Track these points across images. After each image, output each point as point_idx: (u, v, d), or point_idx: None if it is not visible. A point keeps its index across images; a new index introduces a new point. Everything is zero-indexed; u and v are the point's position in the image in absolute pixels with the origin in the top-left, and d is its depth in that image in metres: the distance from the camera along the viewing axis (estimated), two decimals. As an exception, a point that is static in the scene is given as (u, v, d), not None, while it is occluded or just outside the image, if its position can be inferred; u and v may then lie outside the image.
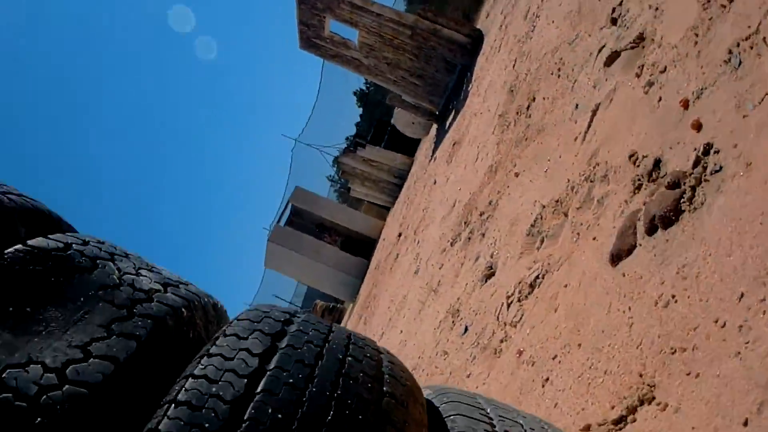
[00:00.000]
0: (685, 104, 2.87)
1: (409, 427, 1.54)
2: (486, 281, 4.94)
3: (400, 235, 14.77)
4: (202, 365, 1.52)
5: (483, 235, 5.74)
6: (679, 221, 2.52)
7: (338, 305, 28.48)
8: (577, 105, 4.48)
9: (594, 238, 3.29)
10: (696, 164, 2.58)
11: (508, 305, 4.16)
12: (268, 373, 1.48)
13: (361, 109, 39.50)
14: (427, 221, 10.34)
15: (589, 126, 4.03)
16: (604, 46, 4.38)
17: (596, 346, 2.76)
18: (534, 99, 5.84)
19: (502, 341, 3.98)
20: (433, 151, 14.61)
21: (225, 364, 1.51)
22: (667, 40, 3.37)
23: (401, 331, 7.89)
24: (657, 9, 3.67)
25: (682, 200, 2.53)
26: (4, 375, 1.43)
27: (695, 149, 2.63)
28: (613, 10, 4.44)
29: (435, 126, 17.14)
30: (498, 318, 4.23)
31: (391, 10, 14.37)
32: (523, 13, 8.76)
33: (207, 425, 1.34)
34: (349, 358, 1.63)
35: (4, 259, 1.69)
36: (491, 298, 4.60)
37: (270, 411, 1.38)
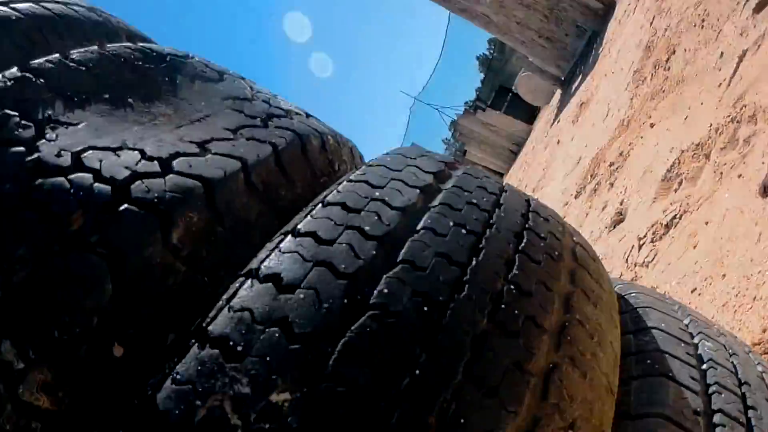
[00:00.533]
0: None
1: (602, 275, 1.34)
2: (614, 227, 4.92)
3: (515, 196, 14.61)
4: (339, 191, 1.25)
5: (611, 185, 5.69)
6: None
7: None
8: (722, 53, 4.38)
9: (740, 176, 3.25)
10: None
11: (640, 247, 4.14)
12: (431, 211, 1.21)
13: (482, 74, 39.09)
14: (547, 179, 10.24)
15: (735, 72, 3.95)
16: (750, -11, 4.26)
17: (744, 274, 2.75)
18: (674, 52, 5.71)
19: (632, 281, 3.98)
20: (557, 115, 14.37)
21: (389, 181, 1.27)
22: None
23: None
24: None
25: None
26: (84, 154, 1.16)
27: None
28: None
29: (558, 93, 16.84)
30: (627, 260, 4.22)
31: (527, -33, 14.16)
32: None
33: (367, 228, 1.11)
34: (528, 231, 1.30)
35: (105, 50, 1.50)
36: (619, 242, 4.58)
37: (451, 223, 1.16)
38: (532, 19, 15.01)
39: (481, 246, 1.18)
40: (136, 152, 1.20)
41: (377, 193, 1.26)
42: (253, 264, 1.10)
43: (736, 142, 3.48)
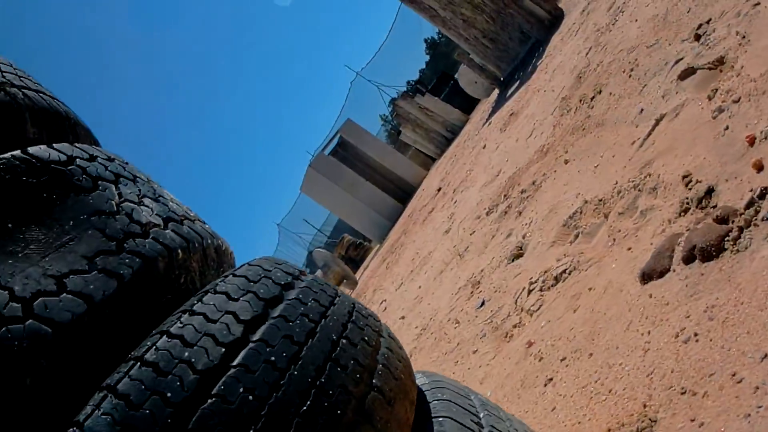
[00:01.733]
0: (752, 141, 2.75)
1: (391, 428, 1.44)
2: (513, 260, 4.89)
3: (439, 189, 14.71)
4: (180, 323, 1.39)
5: (520, 213, 5.67)
6: (718, 258, 2.43)
7: (365, 243, 28.60)
8: (642, 110, 4.34)
9: (629, 249, 3.21)
10: (749, 206, 2.48)
11: (529, 291, 4.11)
12: (249, 345, 1.35)
13: (428, 57, 39.12)
14: (468, 183, 10.25)
15: (649, 134, 3.91)
16: (681, 59, 4.23)
17: (607, 361, 2.70)
18: (600, 92, 5.69)
19: (515, 326, 3.94)
20: (489, 116, 14.41)
21: (206, 326, 1.38)
22: (747, 71, 3.23)
23: (419, 287, 7.89)
24: (744, 37, 3.51)
25: (727, 238, 2.43)
26: None
27: (751, 190, 2.53)
28: (700, 26, 4.27)
29: (496, 91, 16.88)
30: (516, 302, 4.18)
31: (479, -34, 14.02)
32: (608, 4, 8.49)
33: (169, 395, 1.22)
34: (344, 341, 1.49)
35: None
36: (514, 279, 4.55)
37: (241, 390, 1.26)
38: (478, 18, 14.94)
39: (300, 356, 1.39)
40: (6, 292, 1.30)
41: (208, 328, 1.39)
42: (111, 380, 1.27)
43: (635, 210, 3.44)
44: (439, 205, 12.39)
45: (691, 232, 2.71)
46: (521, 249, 4.91)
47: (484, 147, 11.27)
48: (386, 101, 35.06)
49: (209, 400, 1.23)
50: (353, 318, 1.63)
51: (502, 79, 16.24)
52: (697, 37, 4.19)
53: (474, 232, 7.01)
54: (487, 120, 14.24)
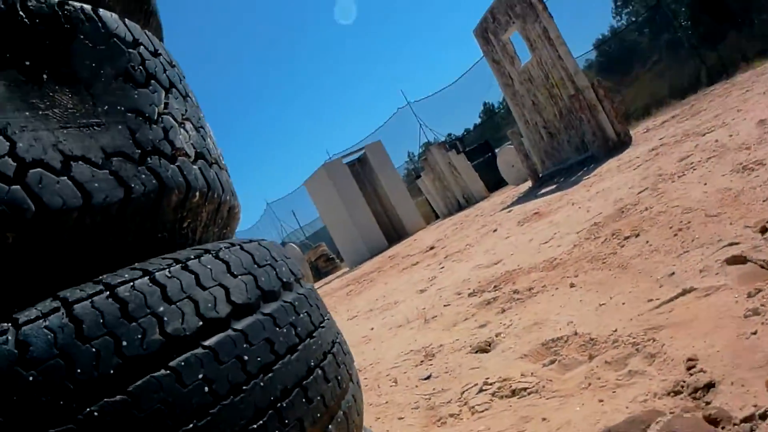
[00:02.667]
0: (779, 361, 2.62)
1: None
2: (476, 352, 4.72)
3: (432, 248, 14.54)
4: (168, 273, 1.21)
5: (503, 310, 5.51)
6: (695, 459, 2.28)
7: (337, 260, 28.49)
8: (673, 273, 4.20)
9: (601, 401, 3.05)
10: (747, 420, 2.33)
11: (480, 390, 3.94)
12: (228, 332, 1.18)
13: (479, 120, 39.23)
14: (462, 256, 10.10)
15: (671, 299, 3.77)
16: (737, 243, 4.10)
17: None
18: (638, 235, 5.55)
19: (452, 416, 3.77)
20: (512, 204, 14.31)
21: (193, 290, 1.20)
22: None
23: (372, 328, 7.71)
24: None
25: (714, 444, 2.29)
26: None
27: (755, 405, 2.39)
28: (772, 219, 4.17)
29: (529, 184, 16.83)
30: (462, 394, 4.01)
31: (573, 62, 13.94)
32: (681, 155, 8.40)
33: (124, 344, 1.05)
34: (319, 371, 1.32)
35: (60, 8, 1.37)
36: (470, 370, 4.38)
37: (200, 377, 1.09)
38: (548, 108, 14.91)
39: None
40: (8, 144, 1.14)
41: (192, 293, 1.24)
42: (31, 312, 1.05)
43: (623, 366, 3.29)
44: (424, 263, 12.23)
45: (675, 417, 2.55)
46: (489, 345, 4.75)
47: (495, 231, 11.13)
48: (421, 141, 35.13)
49: (162, 371, 1.05)
50: (334, 350, 1.46)
51: (540, 175, 16.19)
52: (764, 230, 4.07)
53: (449, 305, 6.84)
54: (509, 207, 14.13)
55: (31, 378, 0.92)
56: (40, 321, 1.01)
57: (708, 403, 2.58)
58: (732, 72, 19.17)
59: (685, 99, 19.42)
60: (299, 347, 1.30)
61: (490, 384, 3.94)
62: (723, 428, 2.35)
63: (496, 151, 24.68)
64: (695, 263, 4.19)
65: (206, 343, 1.13)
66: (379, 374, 5.32)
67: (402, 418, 4.10)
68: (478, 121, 39.40)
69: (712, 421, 2.41)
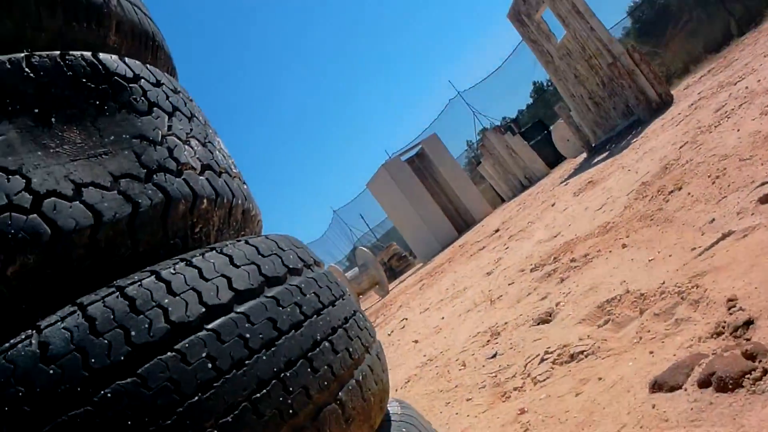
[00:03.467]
0: (810, 288, 2.65)
1: None
2: (538, 324, 4.80)
3: (497, 230, 14.58)
4: (173, 270, 1.36)
5: (562, 280, 5.57)
6: (733, 392, 2.34)
7: (410, 257, 28.56)
8: (713, 219, 4.22)
9: (651, 352, 3.12)
10: (783, 351, 2.38)
11: (542, 360, 4.03)
12: (231, 314, 1.32)
13: (531, 100, 38.88)
14: (525, 234, 10.13)
15: (711, 245, 3.79)
16: None
17: (590, 458, 2.62)
18: (680, 188, 5.56)
19: (515, 389, 3.87)
20: (569, 177, 14.24)
21: (196, 282, 1.35)
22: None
23: (443, 318, 7.82)
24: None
25: (749, 376, 2.34)
26: None
27: (791, 336, 2.43)
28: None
29: (584, 154, 16.69)
30: (526, 366, 4.10)
31: (605, 31, 13.83)
32: (717, 106, 8.32)
33: (133, 334, 1.20)
34: (326, 344, 1.45)
35: (62, 60, 1.53)
36: (533, 342, 4.46)
37: (204, 355, 1.23)
38: (590, 79, 14.78)
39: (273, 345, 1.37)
40: (24, 181, 1.30)
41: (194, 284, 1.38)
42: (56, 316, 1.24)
43: (671, 316, 3.34)
44: (490, 246, 12.28)
45: (715, 357, 2.61)
46: (550, 315, 4.82)
47: (553, 205, 11.13)
48: (477, 129, 35.00)
49: (168, 353, 1.21)
50: (347, 325, 1.59)
51: (593, 144, 16.06)
52: (793, 167, 4.07)
53: (513, 283, 6.92)
54: (566, 180, 14.08)
55: (51, 371, 1.10)
56: (59, 323, 1.19)
57: (748, 340, 2.63)
58: (759, 20, 18.73)
59: (720, 52, 19.08)
60: (304, 323, 1.44)
61: (551, 353, 4.02)
62: (759, 361, 2.40)
63: (551, 128, 24.49)
64: (732, 207, 4.20)
65: (209, 326, 1.28)
66: (449, 360, 5.44)
67: (470, 399, 4.21)
68: (529, 101, 39.08)
69: (750, 356, 2.46)
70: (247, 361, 1.28)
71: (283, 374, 1.32)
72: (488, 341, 5.24)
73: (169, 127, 1.71)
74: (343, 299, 1.69)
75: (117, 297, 1.26)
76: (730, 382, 2.38)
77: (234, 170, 1.96)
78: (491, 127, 28.76)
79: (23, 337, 1.18)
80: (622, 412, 2.76)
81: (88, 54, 1.60)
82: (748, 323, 2.71)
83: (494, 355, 4.77)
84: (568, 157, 21.99)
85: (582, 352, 3.71)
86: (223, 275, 1.41)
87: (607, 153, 12.98)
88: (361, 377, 1.53)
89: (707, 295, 3.24)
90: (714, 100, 9.22)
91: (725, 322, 2.85)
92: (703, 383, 2.51)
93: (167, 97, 1.79)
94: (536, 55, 16.51)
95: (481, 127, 34.26)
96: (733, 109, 7.32)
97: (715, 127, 7.14)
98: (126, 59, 1.73)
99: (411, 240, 27.36)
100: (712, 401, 2.38)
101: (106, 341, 1.18)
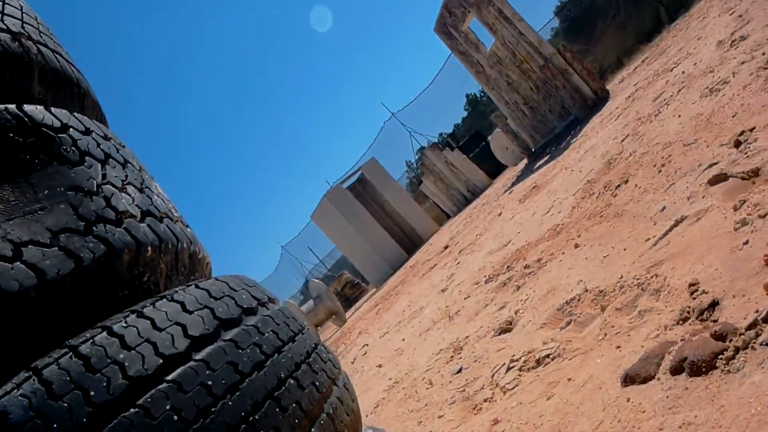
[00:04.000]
0: (768, 261, 2.65)
1: None
2: (499, 334, 4.77)
3: (446, 247, 14.60)
4: (125, 323, 1.29)
5: (518, 288, 5.56)
6: (707, 375, 2.32)
7: (363, 284, 28.47)
8: (664, 207, 4.25)
9: (618, 347, 3.09)
10: (751, 327, 2.37)
11: (508, 368, 3.99)
12: (190, 363, 1.26)
13: (466, 113, 39.26)
14: (475, 247, 10.15)
15: (665, 234, 3.81)
16: (716, 164, 4.15)
17: (570, 459, 2.58)
18: (626, 181, 5.61)
19: (485, 401, 3.81)
20: (513, 184, 14.36)
21: (150, 333, 1.29)
22: (779, 181, 3.15)
23: (403, 339, 7.76)
24: (786, 151, 3.44)
25: (721, 357, 2.32)
26: None
27: (757, 311, 2.42)
28: (742, 132, 4.20)
29: (525, 161, 16.87)
30: (493, 376, 4.06)
31: (534, 34, 14.04)
32: (655, 95, 8.48)
33: (92, 394, 1.13)
34: (291, 381, 1.39)
35: None
36: (496, 352, 4.42)
37: (168, 407, 1.16)
38: (522, 84, 14.97)
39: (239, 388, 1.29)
40: None
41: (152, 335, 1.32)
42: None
43: (633, 309, 3.33)
44: (441, 263, 12.28)
45: (685, 343, 2.59)
46: (510, 324, 4.80)
47: (500, 215, 11.19)
48: (415, 148, 35.19)
49: (131, 410, 1.15)
50: (310, 359, 1.54)
51: (533, 149, 16.24)
52: (737, 144, 4.11)
53: (469, 297, 6.90)
54: (509, 188, 14.18)
55: (14, 441, 1.02)
56: (15, 391, 1.11)
57: (714, 321, 2.62)
58: (689, 4, 19.21)
59: (652, 41, 19.49)
60: (266, 363, 1.38)
61: (516, 360, 3.98)
62: (729, 341, 2.39)
63: (489, 138, 24.73)
64: (682, 193, 4.24)
65: (169, 377, 1.21)
66: (415, 381, 5.37)
67: (441, 416, 4.14)
68: (464, 114, 39.45)
69: (719, 336, 2.45)
70: (213, 409, 1.22)
71: (251, 417, 1.26)
72: (452, 357, 5.19)
73: (104, 176, 1.65)
74: (303, 333, 1.63)
75: (71, 357, 1.20)
76: (703, 365, 2.36)
77: (175, 214, 1.89)
78: (429, 145, 28.91)
79: None
80: (597, 410, 2.73)
81: (12, 106, 1.53)
82: (714, 305, 2.71)
83: (460, 370, 4.71)
84: (509, 166, 22.21)
85: (548, 356, 3.68)
86: (177, 323, 1.36)
87: (548, 156, 13.12)
88: (331, 410, 1.47)
89: (668, 283, 3.24)
90: (651, 89, 9.40)
91: (690, 307, 2.84)
92: (676, 370, 2.49)
93: (98, 145, 1.72)
94: (466, 67, 16.66)
95: (419, 146, 34.46)
96: (672, 96, 7.45)
97: (655, 116, 7.26)
98: (52, 109, 1.65)
99: (361, 266, 27.28)
100: (687, 386, 2.36)
101: (65, 404, 1.11)
